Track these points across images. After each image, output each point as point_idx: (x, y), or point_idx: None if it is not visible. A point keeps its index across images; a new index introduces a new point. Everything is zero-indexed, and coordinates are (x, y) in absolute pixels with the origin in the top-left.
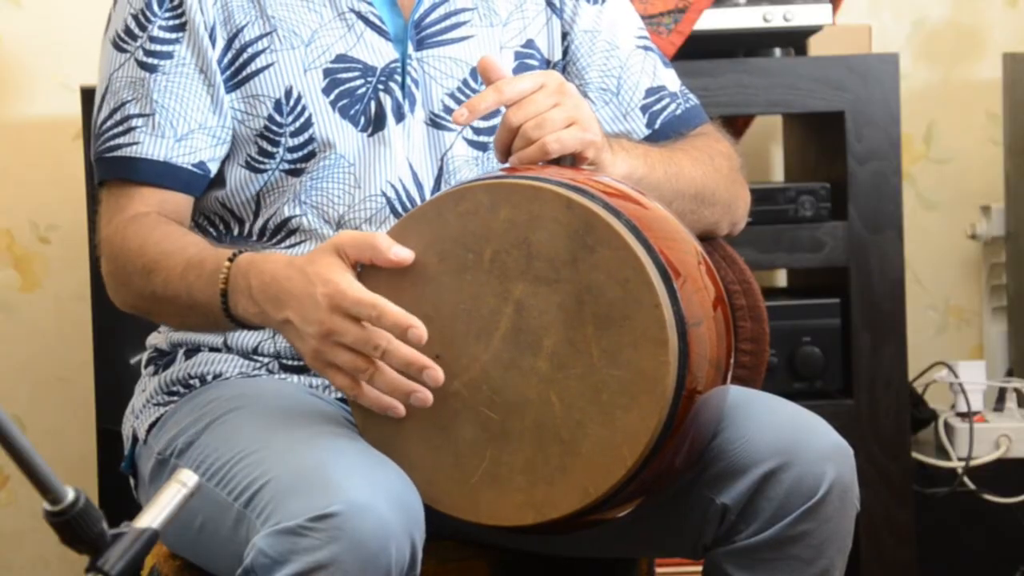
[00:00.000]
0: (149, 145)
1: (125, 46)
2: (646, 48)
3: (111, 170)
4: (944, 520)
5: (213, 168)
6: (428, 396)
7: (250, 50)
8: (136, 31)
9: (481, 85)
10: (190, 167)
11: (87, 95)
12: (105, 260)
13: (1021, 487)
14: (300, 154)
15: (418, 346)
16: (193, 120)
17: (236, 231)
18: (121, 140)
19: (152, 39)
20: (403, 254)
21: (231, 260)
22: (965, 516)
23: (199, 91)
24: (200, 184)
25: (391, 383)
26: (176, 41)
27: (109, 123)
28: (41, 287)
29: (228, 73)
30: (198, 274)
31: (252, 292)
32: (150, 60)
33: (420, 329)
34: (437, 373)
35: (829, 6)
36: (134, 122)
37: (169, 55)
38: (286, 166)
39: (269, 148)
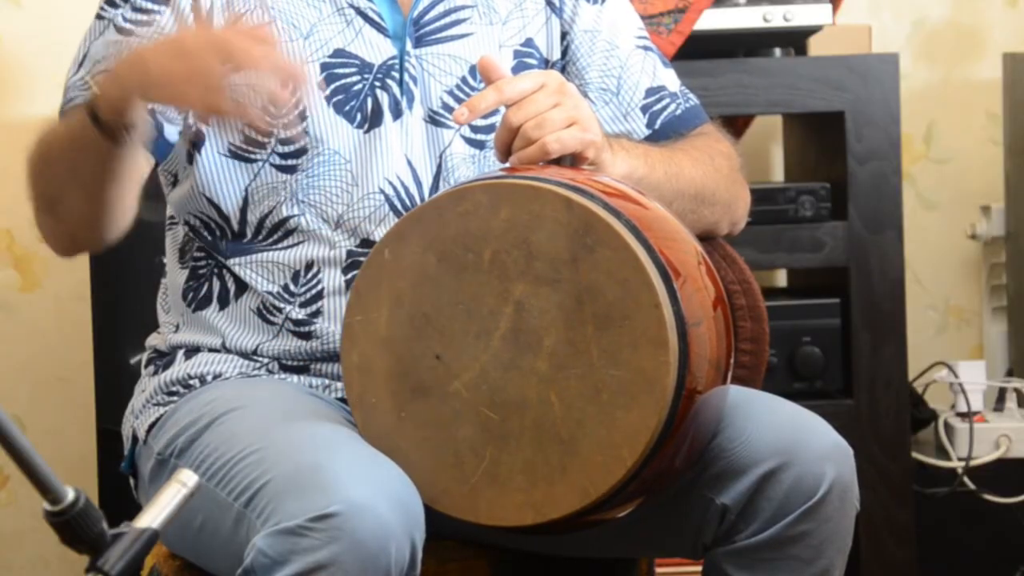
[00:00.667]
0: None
1: (104, 14)
2: (646, 48)
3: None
4: (944, 520)
5: (170, 133)
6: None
7: None
8: (118, 1)
9: (480, 83)
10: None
11: None
12: (29, 198)
13: (1021, 487)
14: (291, 148)
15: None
16: None
17: (229, 233)
18: (85, 93)
19: (135, 8)
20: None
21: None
22: (965, 516)
23: None
24: (152, 139)
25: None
26: (158, 12)
27: (75, 80)
28: (41, 287)
29: None
30: (71, 116)
31: (117, 71)
32: (127, 25)
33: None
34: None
35: (829, 6)
36: (100, 77)
37: (148, 23)
38: (277, 160)
39: (259, 137)
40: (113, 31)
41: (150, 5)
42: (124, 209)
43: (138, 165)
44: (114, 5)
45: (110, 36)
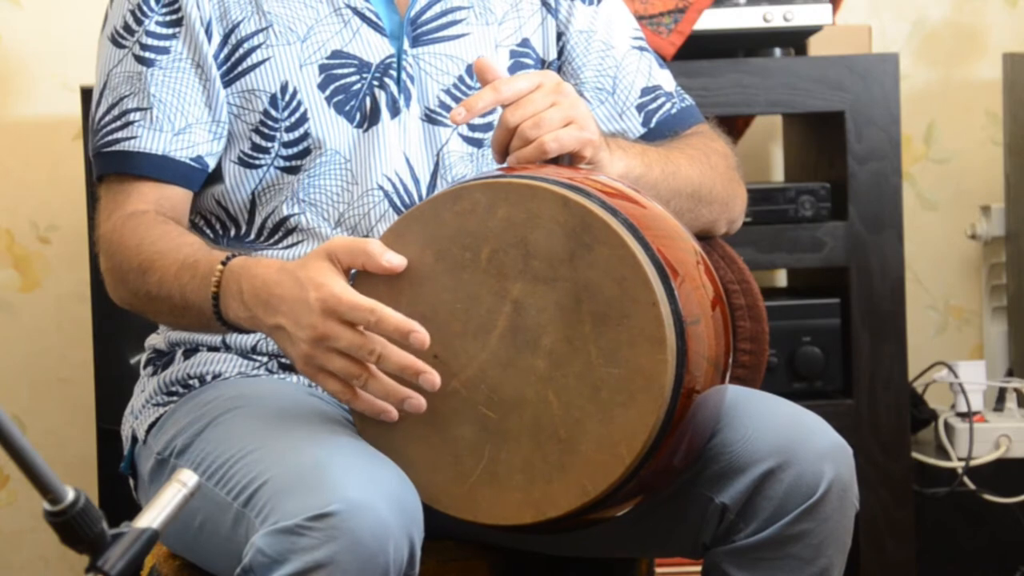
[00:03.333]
0: (147, 139)
1: (123, 42)
2: (641, 48)
3: (109, 164)
4: (944, 520)
5: (211, 163)
6: (422, 403)
7: (246, 45)
8: (133, 26)
9: (477, 83)
10: (188, 161)
11: (87, 95)
12: (103, 257)
13: (1021, 487)
14: (295, 150)
15: (419, 351)
16: (191, 114)
17: (233, 231)
18: (119, 135)
19: (148, 34)
20: (395, 261)
21: (224, 264)
22: (965, 516)
23: (196, 86)
24: (198, 178)
25: (385, 389)
26: (173, 36)
27: (107, 118)
28: (41, 287)
29: (224, 68)
30: (191, 275)
31: (243, 297)
32: (147, 55)
33: (422, 334)
34: (433, 377)
35: (829, 6)
36: (132, 116)
37: (166, 50)
38: (281, 162)
39: (263, 143)
40: (132, 61)
41: (163, 31)
42: None
43: None
44: (131, 32)
45: (130, 67)
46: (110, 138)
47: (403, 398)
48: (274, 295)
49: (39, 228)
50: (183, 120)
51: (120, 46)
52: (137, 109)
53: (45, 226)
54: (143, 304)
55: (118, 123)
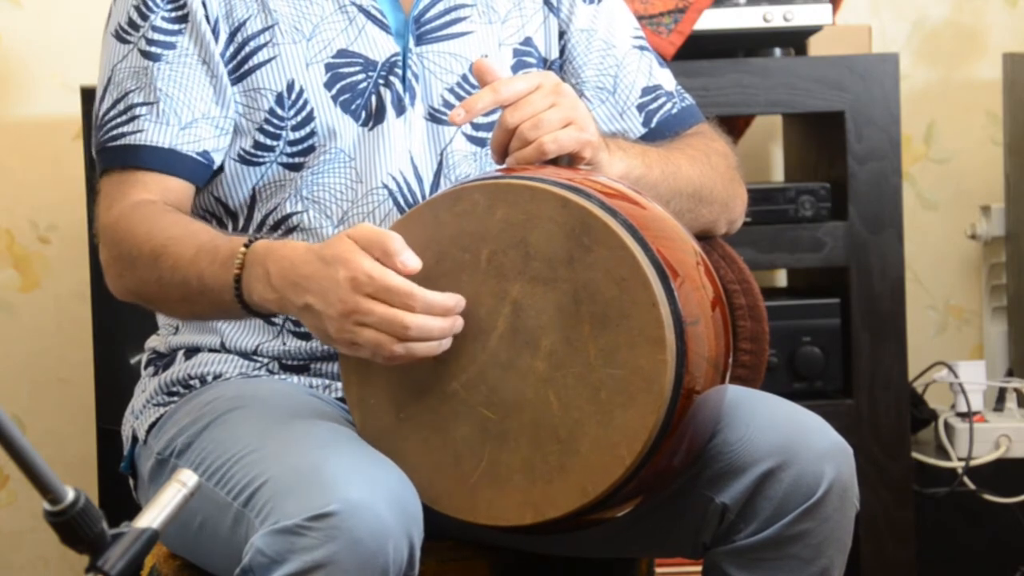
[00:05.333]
0: (154, 132)
1: (128, 37)
2: (642, 48)
3: (114, 159)
4: (944, 520)
5: (217, 159)
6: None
7: (252, 44)
8: (138, 22)
9: None
10: (195, 155)
11: (87, 95)
12: (107, 247)
13: (1021, 487)
14: (300, 148)
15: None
16: (197, 109)
17: (231, 227)
18: (125, 128)
19: (154, 29)
20: (410, 264)
21: (247, 246)
22: (965, 516)
23: (202, 81)
24: (204, 173)
25: (419, 349)
26: (179, 32)
27: (112, 113)
28: (41, 287)
29: (231, 67)
30: (211, 259)
31: (271, 278)
32: (153, 49)
33: (459, 320)
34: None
35: (829, 6)
36: (138, 111)
37: (172, 45)
38: (285, 159)
39: (267, 142)
40: (138, 56)
41: (169, 26)
42: None
43: None
44: (135, 27)
45: (135, 62)
46: (115, 132)
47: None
48: (302, 275)
49: (39, 228)
50: (189, 114)
51: (125, 42)
52: (144, 103)
53: (45, 226)
54: (153, 292)
55: (123, 117)
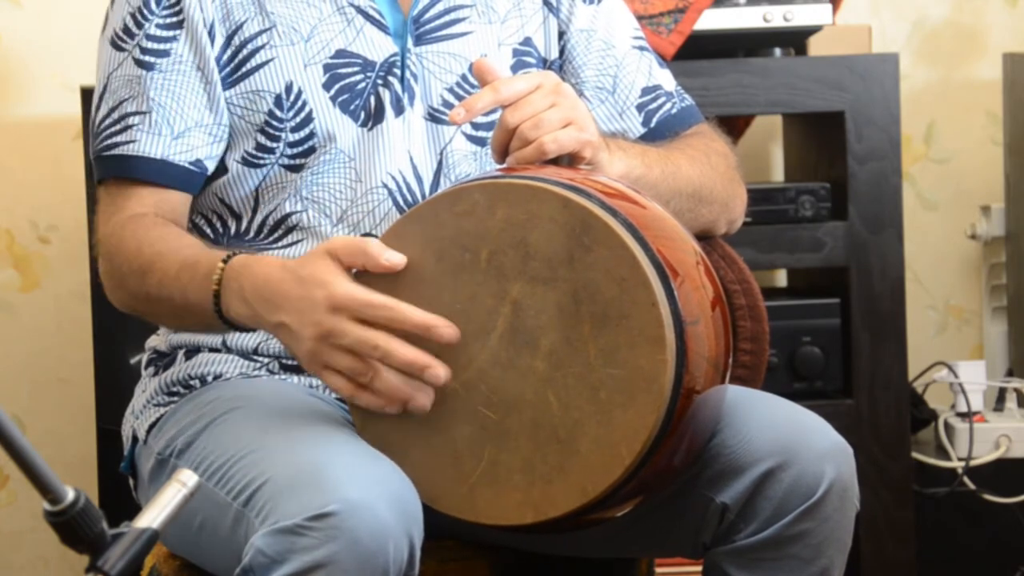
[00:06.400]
0: (146, 143)
1: (123, 45)
2: (641, 48)
3: (109, 168)
4: (944, 520)
5: (210, 166)
6: (426, 404)
7: (250, 46)
8: (133, 29)
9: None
10: (187, 165)
11: (87, 95)
12: (102, 259)
13: (1021, 487)
14: (300, 149)
15: (436, 345)
16: (190, 118)
17: (234, 228)
18: (118, 138)
19: (149, 37)
20: (395, 259)
21: (224, 262)
22: (965, 516)
23: (196, 89)
24: (196, 182)
25: (389, 388)
26: (173, 39)
27: (107, 122)
28: (41, 287)
29: (228, 69)
30: (192, 275)
31: (245, 294)
32: (147, 58)
33: (446, 328)
34: (438, 370)
35: (829, 6)
36: (131, 120)
37: (166, 53)
38: (286, 161)
39: (268, 143)
40: (132, 65)
41: (164, 33)
42: None
43: None
44: (131, 35)
45: (129, 71)
46: (109, 142)
47: (407, 399)
48: (276, 292)
49: (39, 228)
50: (182, 124)
51: (120, 49)
52: (136, 113)
53: (45, 226)
54: (143, 306)
55: (117, 127)
